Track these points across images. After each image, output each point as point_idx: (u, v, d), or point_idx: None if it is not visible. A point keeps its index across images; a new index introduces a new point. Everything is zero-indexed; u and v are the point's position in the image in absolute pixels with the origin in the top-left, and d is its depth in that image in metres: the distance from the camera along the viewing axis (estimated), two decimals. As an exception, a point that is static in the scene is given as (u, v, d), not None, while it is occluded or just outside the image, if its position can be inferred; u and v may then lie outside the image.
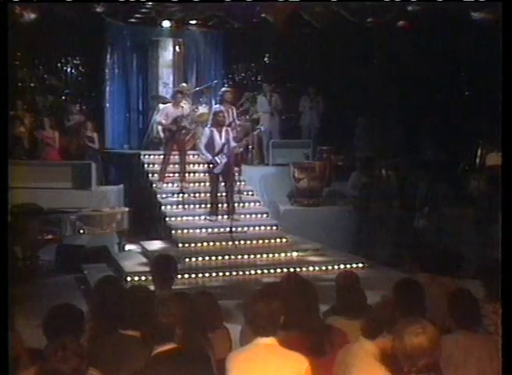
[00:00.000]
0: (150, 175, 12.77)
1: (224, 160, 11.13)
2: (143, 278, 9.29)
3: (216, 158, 11.14)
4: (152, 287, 5.65)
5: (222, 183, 11.44)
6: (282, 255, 10.88)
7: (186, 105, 13.14)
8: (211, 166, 11.34)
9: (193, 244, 10.82)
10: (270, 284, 4.95)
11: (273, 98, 15.01)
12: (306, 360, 3.84)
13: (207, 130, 11.51)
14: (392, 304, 4.30)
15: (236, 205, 11.61)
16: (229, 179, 11.39)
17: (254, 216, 11.91)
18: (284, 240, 11.25)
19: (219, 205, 11.49)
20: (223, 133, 11.24)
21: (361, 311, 4.72)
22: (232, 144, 11.27)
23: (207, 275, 9.94)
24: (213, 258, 10.45)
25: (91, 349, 4.04)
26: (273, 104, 14.99)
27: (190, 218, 11.65)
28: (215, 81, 15.22)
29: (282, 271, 9.80)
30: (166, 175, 12.52)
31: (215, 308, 5.05)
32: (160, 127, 13.03)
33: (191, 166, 12.96)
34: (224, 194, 11.47)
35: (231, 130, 11.58)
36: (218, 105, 12.77)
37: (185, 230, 11.20)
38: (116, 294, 4.82)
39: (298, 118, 15.57)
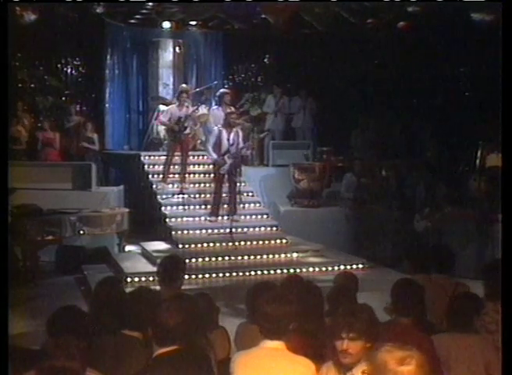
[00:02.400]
0: (150, 176, 12.75)
1: (230, 160, 11.11)
2: (143, 279, 9.30)
3: (223, 158, 11.13)
4: (154, 288, 5.63)
5: (226, 184, 11.43)
6: (282, 255, 10.87)
7: (190, 106, 13.15)
8: (216, 166, 11.34)
9: (193, 245, 10.81)
10: (282, 286, 4.87)
11: (282, 101, 15.07)
12: (313, 365, 3.78)
13: (216, 129, 11.40)
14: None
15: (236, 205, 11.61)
16: (234, 179, 11.37)
17: (254, 216, 11.88)
18: (284, 241, 11.23)
19: (220, 206, 11.49)
20: (232, 134, 11.22)
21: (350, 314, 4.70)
22: (241, 144, 11.27)
23: (207, 276, 9.93)
24: (213, 259, 10.45)
25: (92, 350, 4.03)
26: (280, 105, 15.04)
27: (190, 219, 11.63)
28: (215, 82, 15.20)
29: (282, 272, 9.84)
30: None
31: (213, 308, 5.05)
32: (163, 128, 12.99)
33: (191, 166, 12.95)
34: (226, 194, 11.45)
35: (241, 131, 11.58)
36: (216, 106, 12.80)
37: (185, 231, 11.18)
38: (118, 294, 4.82)
39: (298, 119, 15.56)
